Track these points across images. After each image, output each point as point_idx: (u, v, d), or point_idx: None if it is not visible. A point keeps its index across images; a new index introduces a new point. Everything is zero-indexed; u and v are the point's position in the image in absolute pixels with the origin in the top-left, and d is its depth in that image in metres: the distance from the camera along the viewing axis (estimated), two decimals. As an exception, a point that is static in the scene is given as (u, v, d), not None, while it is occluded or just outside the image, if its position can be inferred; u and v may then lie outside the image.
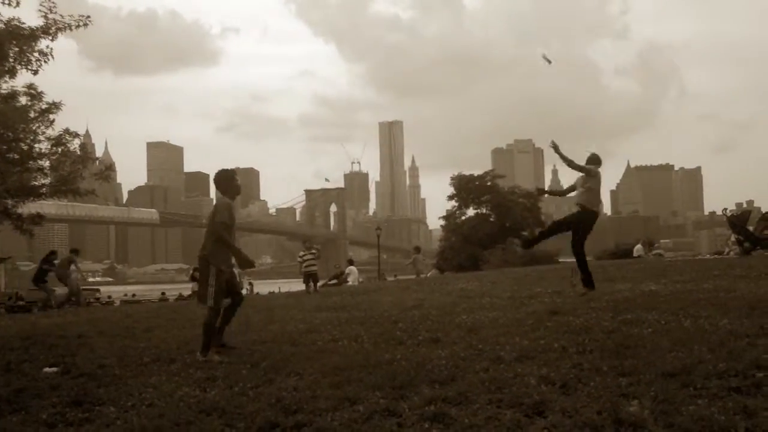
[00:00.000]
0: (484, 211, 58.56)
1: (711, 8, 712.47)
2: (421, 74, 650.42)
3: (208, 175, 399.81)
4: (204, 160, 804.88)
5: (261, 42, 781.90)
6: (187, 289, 37.28)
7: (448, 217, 60.35)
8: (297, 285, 25.14)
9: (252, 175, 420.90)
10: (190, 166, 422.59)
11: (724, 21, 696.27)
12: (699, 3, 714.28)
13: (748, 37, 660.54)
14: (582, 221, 11.24)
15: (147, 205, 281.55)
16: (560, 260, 41.82)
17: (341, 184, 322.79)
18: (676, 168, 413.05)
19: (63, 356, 8.13)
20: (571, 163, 11.16)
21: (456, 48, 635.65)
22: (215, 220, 7.78)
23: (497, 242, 47.99)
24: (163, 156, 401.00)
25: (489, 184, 59.38)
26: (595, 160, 11.63)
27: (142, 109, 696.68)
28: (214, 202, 8.29)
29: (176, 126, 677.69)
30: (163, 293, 45.86)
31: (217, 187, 8.06)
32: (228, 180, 8.07)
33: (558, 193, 13.59)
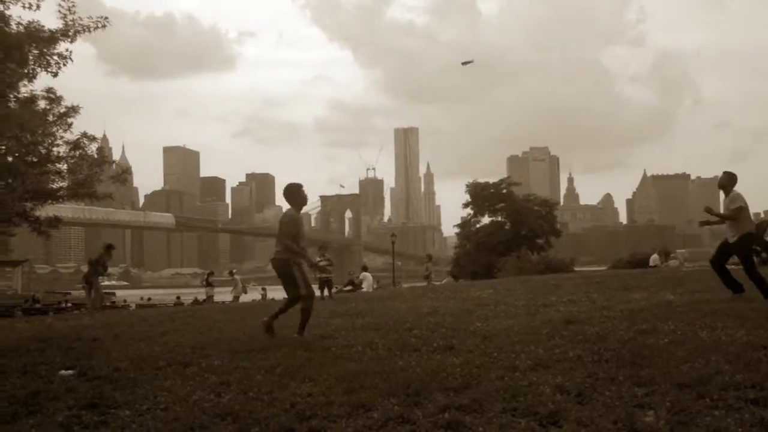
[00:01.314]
0: (499, 218, 58.53)
1: (727, 17, 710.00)
2: (437, 80, 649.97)
3: (223, 180, 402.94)
4: (220, 164, 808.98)
5: (277, 47, 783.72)
6: (202, 293, 37.43)
7: (463, 224, 60.33)
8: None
9: (267, 180, 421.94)
10: (205, 170, 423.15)
11: (740, 29, 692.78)
12: (715, 11, 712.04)
13: (762, 46, 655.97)
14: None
15: (163, 210, 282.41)
16: (576, 269, 41.72)
17: (356, 191, 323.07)
18: (692, 177, 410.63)
19: (79, 359, 8.17)
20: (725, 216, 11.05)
21: (472, 54, 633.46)
22: (284, 230, 9.28)
23: (512, 250, 47.93)
24: (179, 160, 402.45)
25: (504, 191, 59.36)
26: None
27: (158, 113, 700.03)
28: (283, 210, 9.79)
29: (192, 130, 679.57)
30: (178, 297, 46.09)
31: (286, 199, 9.41)
32: (293, 192, 9.37)
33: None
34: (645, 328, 8.14)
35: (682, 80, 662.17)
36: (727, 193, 10.69)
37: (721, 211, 11.10)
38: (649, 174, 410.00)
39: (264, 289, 34.10)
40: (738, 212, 10.67)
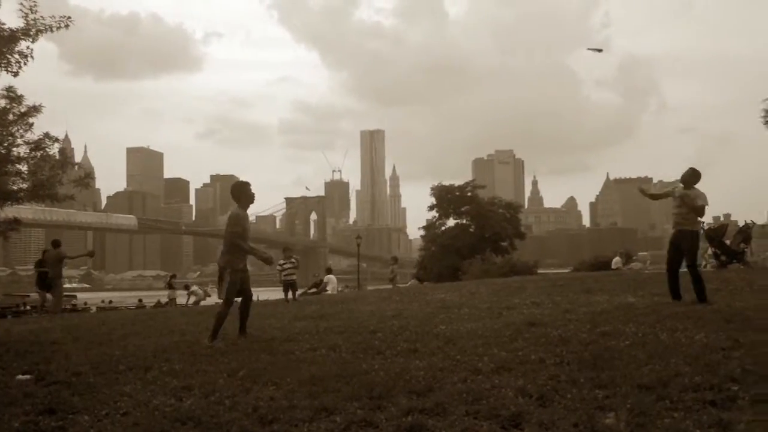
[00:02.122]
0: (464, 221, 58.79)
1: (691, 23, 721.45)
2: (404, 83, 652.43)
3: (187, 182, 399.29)
4: (184, 166, 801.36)
5: (243, 48, 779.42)
6: (164, 296, 37.05)
7: (428, 227, 60.55)
8: (276, 293, 25.06)
9: (232, 181, 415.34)
10: (170, 172, 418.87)
11: (704, 36, 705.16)
12: (679, 17, 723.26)
13: (728, 52, 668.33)
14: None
15: (125, 211, 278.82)
16: (540, 271, 42.04)
17: (322, 192, 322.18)
18: (654, 181, 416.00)
19: (37, 363, 8.02)
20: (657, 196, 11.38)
21: (439, 57, 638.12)
22: (228, 230, 9.16)
23: (477, 252, 48.13)
24: (143, 161, 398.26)
25: (469, 194, 59.66)
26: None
27: (122, 113, 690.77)
28: (229, 212, 9.52)
29: (157, 131, 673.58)
30: (140, 300, 45.54)
31: (233, 197, 9.38)
32: (241, 190, 9.34)
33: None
34: (606, 330, 8.23)
35: (647, 85, 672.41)
36: (687, 188, 10.79)
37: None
38: (612, 177, 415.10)
39: (208, 294, 33.33)
40: (703, 210, 10.84)
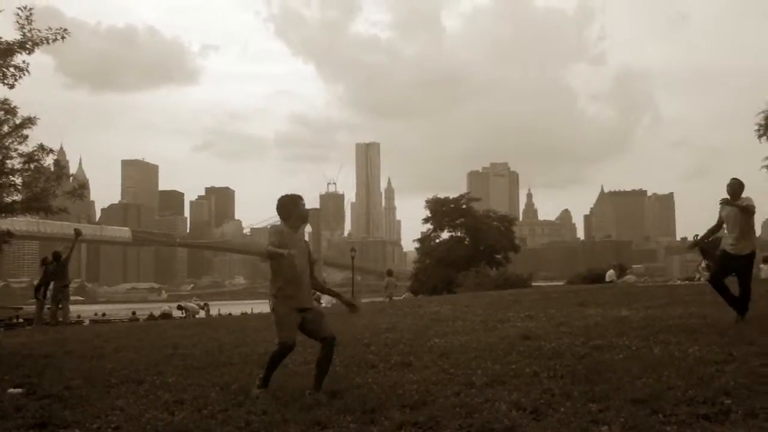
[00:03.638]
0: (459, 234, 58.83)
1: (686, 37, 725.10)
2: (399, 96, 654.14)
3: (182, 194, 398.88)
4: (179, 178, 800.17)
5: (240, 60, 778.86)
6: (158, 309, 36.94)
7: (423, 239, 60.55)
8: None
9: (227, 194, 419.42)
10: (164, 184, 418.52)
11: (698, 50, 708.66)
12: (674, 32, 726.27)
13: (721, 66, 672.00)
14: None
15: (120, 224, 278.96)
16: (534, 284, 42.09)
17: (317, 205, 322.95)
18: (649, 193, 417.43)
19: (28, 377, 7.98)
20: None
21: (435, 70, 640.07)
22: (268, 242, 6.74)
23: (471, 265, 48.19)
24: (138, 174, 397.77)
25: (464, 207, 59.75)
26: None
27: (118, 126, 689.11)
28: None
29: (152, 144, 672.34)
30: (134, 313, 45.33)
31: (279, 214, 7.02)
32: (290, 206, 6.97)
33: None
34: (600, 343, 8.23)
35: (642, 98, 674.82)
36: (736, 199, 9.52)
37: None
38: (606, 190, 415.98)
39: (206, 305, 33.10)
40: (753, 210, 9.64)
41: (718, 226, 9.91)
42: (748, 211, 9.51)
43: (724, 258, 9.66)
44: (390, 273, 32.90)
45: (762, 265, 27.90)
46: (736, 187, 9.66)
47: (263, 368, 6.81)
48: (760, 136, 29.19)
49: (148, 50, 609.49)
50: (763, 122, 29.07)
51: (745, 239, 9.42)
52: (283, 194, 7.06)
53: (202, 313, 29.54)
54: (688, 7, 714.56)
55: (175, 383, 7.27)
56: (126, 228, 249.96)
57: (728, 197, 9.51)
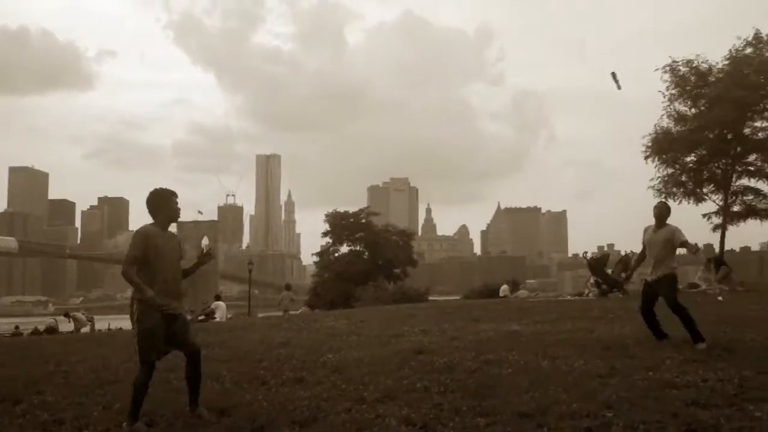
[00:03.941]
0: (358, 248, 58.91)
1: (581, 61, 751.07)
2: (301, 108, 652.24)
3: (73, 204, 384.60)
4: (71, 187, 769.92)
5: (138, 67, 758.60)
6: (42, 323, 35.37)
7: (322, 253, 60.35)
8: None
9: (121, 204, 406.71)
10: (55, 193, 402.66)
11: (592, 74, 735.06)
12: (570, 56, 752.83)
13: (612, 91, 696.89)
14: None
15: (5, 233, 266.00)
16: (431, 298, 42.55)
17: (215, 217, 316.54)
18: (543, 211, 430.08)
19: None
20: None
21: (336, 84, 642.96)
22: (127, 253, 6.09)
23: (370, 279, 48.30)
24: (26, 182, 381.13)
25: (363, 221, 59.93)
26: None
27: (5, 131, 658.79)
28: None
29: (42, 150, 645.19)
30: (17, 327, 43.26)
31: (148, 211, 6.30)
32: (159, 201, 6.29)
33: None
34: (491, 358, 8.35)
35: (538, 119, 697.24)
36: (661, 225, 9.40)
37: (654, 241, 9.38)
38: (503, 207, 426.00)
39: (92, 319, 31.72)
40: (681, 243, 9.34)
41: (643, 254, 9.62)
42: (683, 247, 9.30)
43: (645, 287, 9.44)
44: (288, 287, 32.59)
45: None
46: (663, 210, 9.55)
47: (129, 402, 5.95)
48: (646, 158, 30.50)
49: (42, 53, 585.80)
50: (649, 144, 30.39)
51: (662, 264, 9.22)
52: (154, 188, 6.38)
53: (87, 328, 28.41)
54: (584, 33, 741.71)
55: (56, 402, 6.97)
56: (12, 238, 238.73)
57: (654, 222, 9.43)
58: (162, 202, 6.29)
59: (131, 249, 6.01)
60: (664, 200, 9.66)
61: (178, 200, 6.42)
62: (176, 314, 6.16)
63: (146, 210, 6.29)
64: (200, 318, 25.68)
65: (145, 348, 5.95)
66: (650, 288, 9.29)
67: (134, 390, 5.90)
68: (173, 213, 6.36)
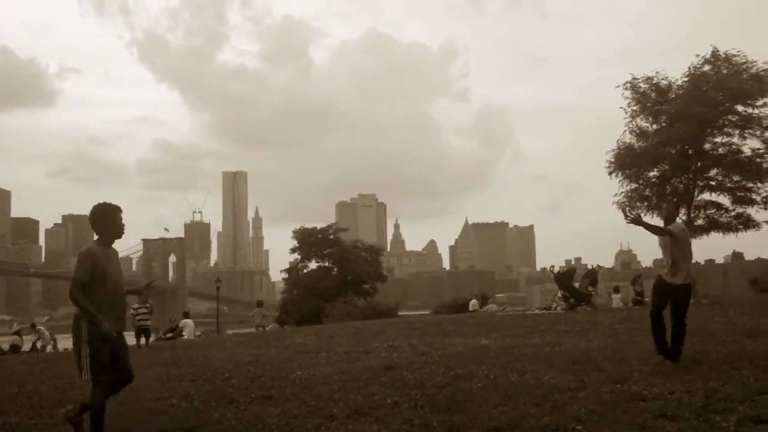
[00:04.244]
0: (327, 264, 58.77)
1: (542, 78, 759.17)
2: (267, 125, 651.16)
3: (37, 222, 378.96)
4: (34, 205, 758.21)
5: (101, 85, 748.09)
6: (6, 342, 34.66)
7: (291, 269, 60.08)
8: (130, 339, 24.01)
9: (86, 222, 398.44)
10: (18, 211, 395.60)
11: (555, 90, 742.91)
12: (532, 72, 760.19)
13: (575, 106, 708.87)
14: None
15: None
16: (401, 313, 42.54)
17: (182, 234, 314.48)
18: (510, 225, 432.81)
19: None
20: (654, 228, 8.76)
21: (302, 101, 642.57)
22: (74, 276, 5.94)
23: (339, 295, 48.19)
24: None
25: (332, 237, 59.82)
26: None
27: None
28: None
29: (4, 169, 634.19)
30: (-21, 347, 42.43)
31: (92, 227, 6.22)
32: (103, 219, 6.18)
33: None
34: (460, 373, 8.36)
35: (503, 134, 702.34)
36: (671, 222, 8.88)
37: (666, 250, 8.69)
38: (470, 222, 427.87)
39: (54, 339, 31.08)
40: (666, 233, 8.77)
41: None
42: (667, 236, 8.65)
43: (661, 286, 8.68)
44: (260, 303, 32.38)
45: (613, 295, 29.43)
46: (672, 209, 9.17)
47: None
48: (610, 173, 30.84)
49: (1, 70, 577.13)
50: (612, 160, 30.73)
51: (686, 268, 8.63)
52: (97, 203, 6.26)
53: (50, 346, 27.90)
54: (545, 51, 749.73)
55: (20, 423, 6.85)
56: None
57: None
58: (106, 220, 6.16)
59: (79, 272, 5.85)
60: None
61: (122, 216, 6.29)
62: (120, 332, 6.01)
63: (89, 221, 6.20)
64: (168, 336, 25.41)
65: (99, 368, 5.76)
66: (672, 292, 8.59)
67: (93, 412, 5.78)
68: (118, 230, 6.22)
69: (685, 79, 29.06)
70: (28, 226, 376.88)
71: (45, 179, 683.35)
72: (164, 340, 23.55)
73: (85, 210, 6.28)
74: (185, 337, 24.52)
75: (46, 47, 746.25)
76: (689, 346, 9.61)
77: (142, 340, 18.19)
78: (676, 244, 8.58)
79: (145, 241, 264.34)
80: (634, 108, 30.01)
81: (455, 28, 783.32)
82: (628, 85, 29.92)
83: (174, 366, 11.22)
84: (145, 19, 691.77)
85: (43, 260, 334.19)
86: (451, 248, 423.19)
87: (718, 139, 28.90)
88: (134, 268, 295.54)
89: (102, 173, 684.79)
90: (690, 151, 28.98)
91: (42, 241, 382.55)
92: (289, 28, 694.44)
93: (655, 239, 8.81)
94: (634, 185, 30.44)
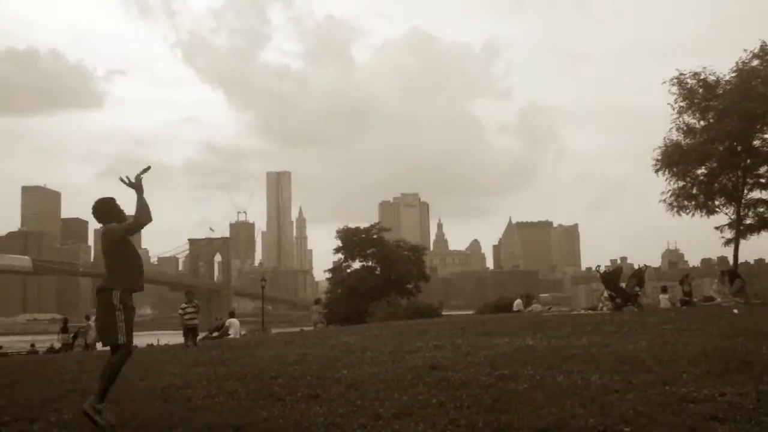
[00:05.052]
0: (370, 263, 58.98)
1: (586, 75, 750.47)
2: (310, 125, 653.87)
3: (86, 222, 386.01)
4: (83, 206, 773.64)
5: (146, 86, 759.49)
6: (57, 340, 35.51)
7: (334, 269, 60.44)
8: (177, 338, 24.40)
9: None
10: (68, 211, 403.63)
11: (600, 87, 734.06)
12: (577, 69, 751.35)
13: (622, 104, 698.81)
14: None
15: (19, 252, 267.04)
16: (444, 313, 42.46)
17: (227, 234, 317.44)
18: (554, 224, 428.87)
19: None
20: None
21: (345, 100, 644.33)
22: (112, 238, 6.56)
23: (383, 295, 48.31)
24: (39, 201, 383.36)
25: (375, 237, 60.03)
26: None
27: (17, 151, 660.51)
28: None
29: (54, 170, 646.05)
30: (32, 345, 43.55)
31: (101, 220, 6.74)
32: (109, 207, 6.73)
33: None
34: (506, 373, 8.32)
35: (546, 132, 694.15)
36: None
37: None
38: (514, 221, 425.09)
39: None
40: None
41: None
42: None
43: None
44: (317, 301, 32.67)
45: (661, 295, 29.00)
46: None
47: (99, 381, 6.54)
48: (656, 171, 30.42)
49: (50, 74, 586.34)
50: (659, 157, 30.30)
51: None
52: (97, 199, 6.80)
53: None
54: (588, 47, 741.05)
55: (73, 421, 6.96)
56: (26, 257, 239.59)
57: None
58: (110, 208, 6.74)
59: (118, 228, 6.59)
60: None
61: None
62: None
63: (97, 217, 6.78)
64: (214, 335, 25.74)
65: (130, 332, 6.40)
66: None
67: (111, 373, 6.41)
68: (122, 215, 6.79)
69: (734, 74, 28.52)
70: (78, 226, 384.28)
71: (93, 180, 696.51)
72: (210, 339, 23.86)
73: (133, 210, 6.57)
74: (231, 336, 24.82)
75: (92, 51, 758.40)
76: (740, 347, 9.47)
77: (190, 339, 18.46)
78: None
79: (191, 241, 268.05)
80: (681, 104, 29.58)
81: (497, 26, 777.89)
82: (675, 80, 29.49)
83: (221, 365, 11.35)
84: (188, 21, 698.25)
85: (92, 260, 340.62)
86: (495, 247, 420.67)
87: (767, 136, 28.33)
88: (180, 267, 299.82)
89: (149, 174, 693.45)
90: (739, 148, 28.46)
91: (91, 241, 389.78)
92: (331, 28, 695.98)
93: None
94: (681, 183, 30.01)
